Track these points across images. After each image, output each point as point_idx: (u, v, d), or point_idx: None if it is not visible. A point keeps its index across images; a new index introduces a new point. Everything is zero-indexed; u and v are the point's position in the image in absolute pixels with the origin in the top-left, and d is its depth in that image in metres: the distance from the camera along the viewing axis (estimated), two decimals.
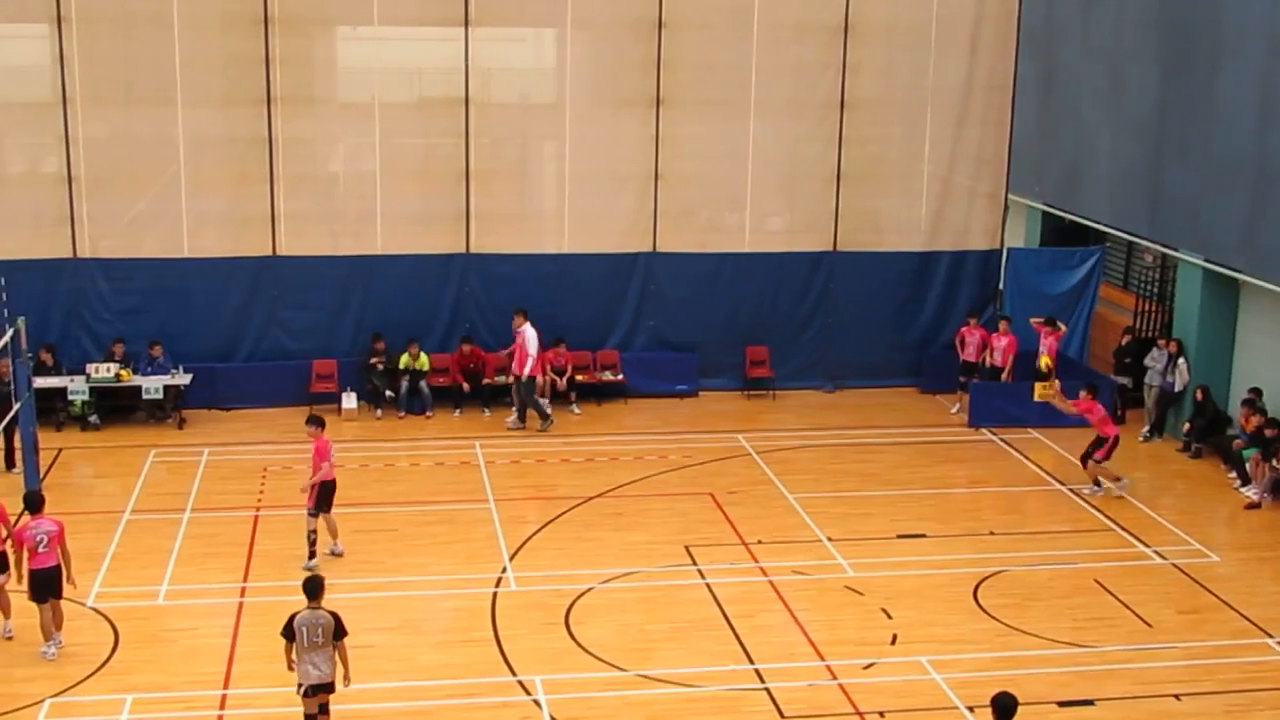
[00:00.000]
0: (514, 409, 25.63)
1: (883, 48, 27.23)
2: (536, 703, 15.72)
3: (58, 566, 16.58)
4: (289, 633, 14.07)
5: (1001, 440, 25.23)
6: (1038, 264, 28.48)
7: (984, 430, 25.51)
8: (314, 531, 19.12)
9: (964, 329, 27.14)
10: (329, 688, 14.25)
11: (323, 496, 19.18)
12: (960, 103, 27.64)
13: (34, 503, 16.84)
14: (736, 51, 26.88)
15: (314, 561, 19.04)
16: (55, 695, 15.73)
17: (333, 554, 19.52)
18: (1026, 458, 24.40)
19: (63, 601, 16.83)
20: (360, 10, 26.14)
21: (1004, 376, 26.16)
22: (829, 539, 20.48)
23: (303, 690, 14.18)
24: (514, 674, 16.35)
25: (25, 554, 16.43)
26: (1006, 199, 28.31)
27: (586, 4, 26.58)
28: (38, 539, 16.42)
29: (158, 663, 16.63)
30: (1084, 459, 22.81)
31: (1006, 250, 28.52)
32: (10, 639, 16.98)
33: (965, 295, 28.19)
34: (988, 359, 26.53)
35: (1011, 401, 25.70)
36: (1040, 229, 31.44)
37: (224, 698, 15.83)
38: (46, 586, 16.55)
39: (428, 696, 15.75)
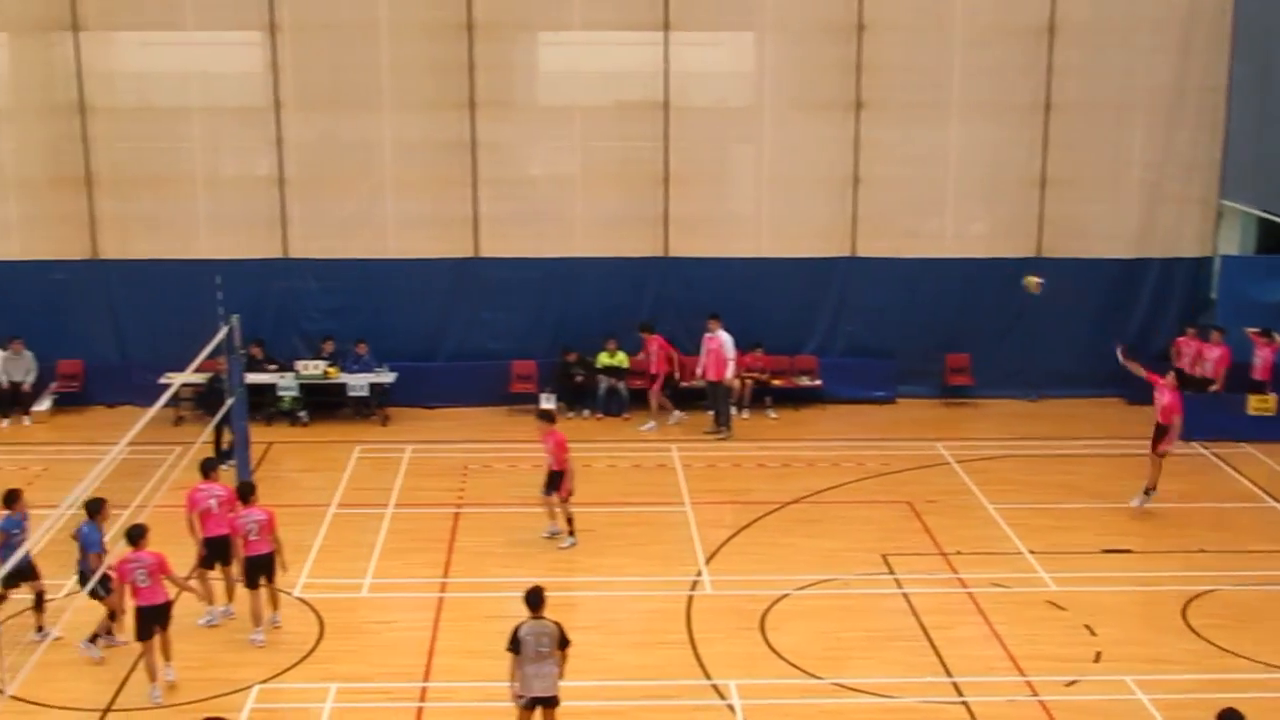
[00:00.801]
0: (711, 413, 25.65)
1: (1090, 49, 26.57)
2: (730, 707, 15.68)
3: (270, 554, 17.10)
4: (515, 645, 13.92)
5: (1213, 455, 24.43)
6: (1252, 272, 27.47)
7: (1194, 443, 24.70)
8: (554, 519, 19.93)
9: (1181, 339, 26.33)
10: (554, 701, 14.18)
11: (554, 483, 19.96)
12: (1171, 105, 26.87)
13: (245, 493, 17.37)
14: (937, 53, 26.53)
15: (572, 540, 19.85)
16: (264, 681, 16.16)
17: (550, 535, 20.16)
18: (1239, 473, 23.61)
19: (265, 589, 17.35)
20: (561, 16, 26.45)
21: (1216, 388, 25.36)
22: (1030, 551, 20.06)
23: (524, 702, 14.00)
24: (708, 678, 16.33)
25: (240, 541, 17.04)
26: (1219, 204, 27.46)
27: (784, 7, 26.49)
28: (248, 527, 16.96)
29: (360, 653, 16.98)
30: None
31: (1219, 258, 27.64)
32: (232, 617, 17.61)
33: (1175, 304, 27.40)
34: (1200, 370, 25.73)
35: (1224, 414, 24.89)
36: (1256, 236, 30.33)
37: (424, 690, 16.07)
38: (258, 572, 17.10)
39: (622, 697, 15.80)
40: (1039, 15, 26.32)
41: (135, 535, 15.85)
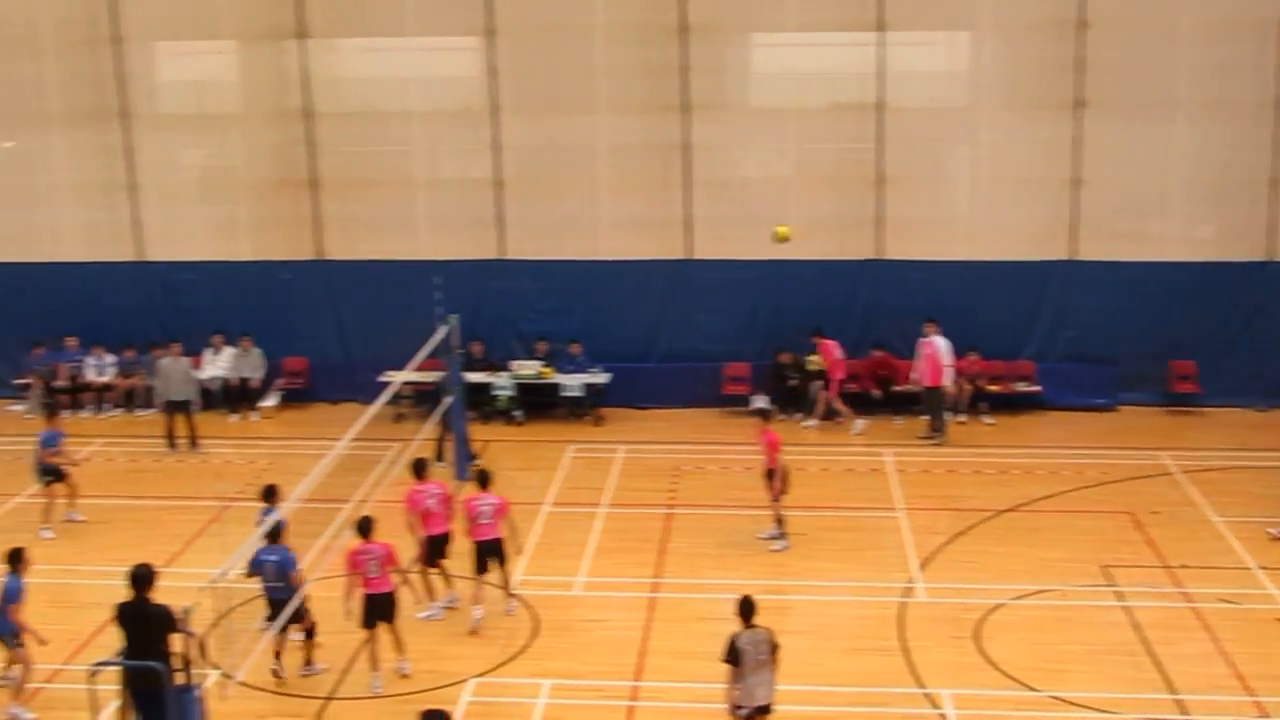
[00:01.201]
0: (926, 419, 25.35)
1: None
2: (943, 717, 15.47)
3: (499, 539, 17.53)
4: (734, 656, 13.79)
5: None
6: None
7: None
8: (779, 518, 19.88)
9: None
10: (769, 709, 14.13)
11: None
12: None
13: (484, 480, 17.84)
14: (1162, 50, 25.73)
15: (784, 544, 19.81)
16: (480, 675, 16.44)
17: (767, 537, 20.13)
18: None
19: (488, 588, 17.63)
20: (775, 18, 26.39)
21: None
22: (1260, 567, 19.35)
23: (745, 712, 13.86)
24: (921, 686, 16.12)
25: (469, 526, 17.51)
26: None
27: (1002, 6, 26.03)
28: (481, 510, 17.43)
29: (573, 651, 17.17)
30: None
31: None
32: (456, 606, 17.98)
33: None
34: None
35: None
36: None
37: (635, 689, 16.17)
38: (487, 556, 17.55)
39: (833, 702, 15.68)
40: (1269, 9, 25.36)
41: (365, 527, 16.24)
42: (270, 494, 17.51)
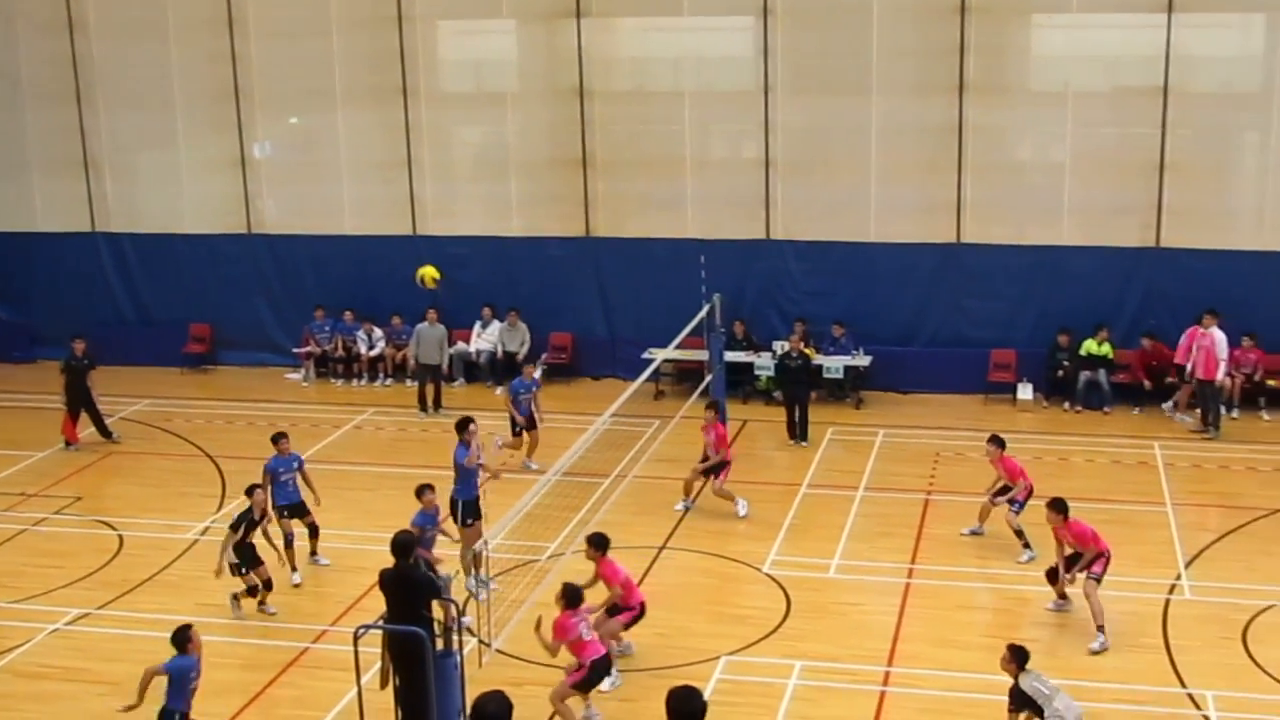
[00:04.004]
0: (1197, 412, 24.44)
1: None
2: (1206, 718, 14.93)
3: None
4: (1024, 701, 13.58)
5: None
6: None
7: None
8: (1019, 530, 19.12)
9: None
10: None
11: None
12: None
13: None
14: None
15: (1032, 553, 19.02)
16: (731, 653, 16.51)
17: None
18: None
19: (735, 564, 17.67)
20: None
21: None
22: None
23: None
24: (1183, 686, 15.60)
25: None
26: None
27: None
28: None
29: (826, 633, 17.11)
30: None
31: None
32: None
33: None
34: None
35: None
36: None
37: (887, 674, 16.04)
38: None
39: (1094, 698, 15.22)
40: None
41: (574, 597, 14.83)
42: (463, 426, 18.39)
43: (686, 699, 9.37)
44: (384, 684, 14.76)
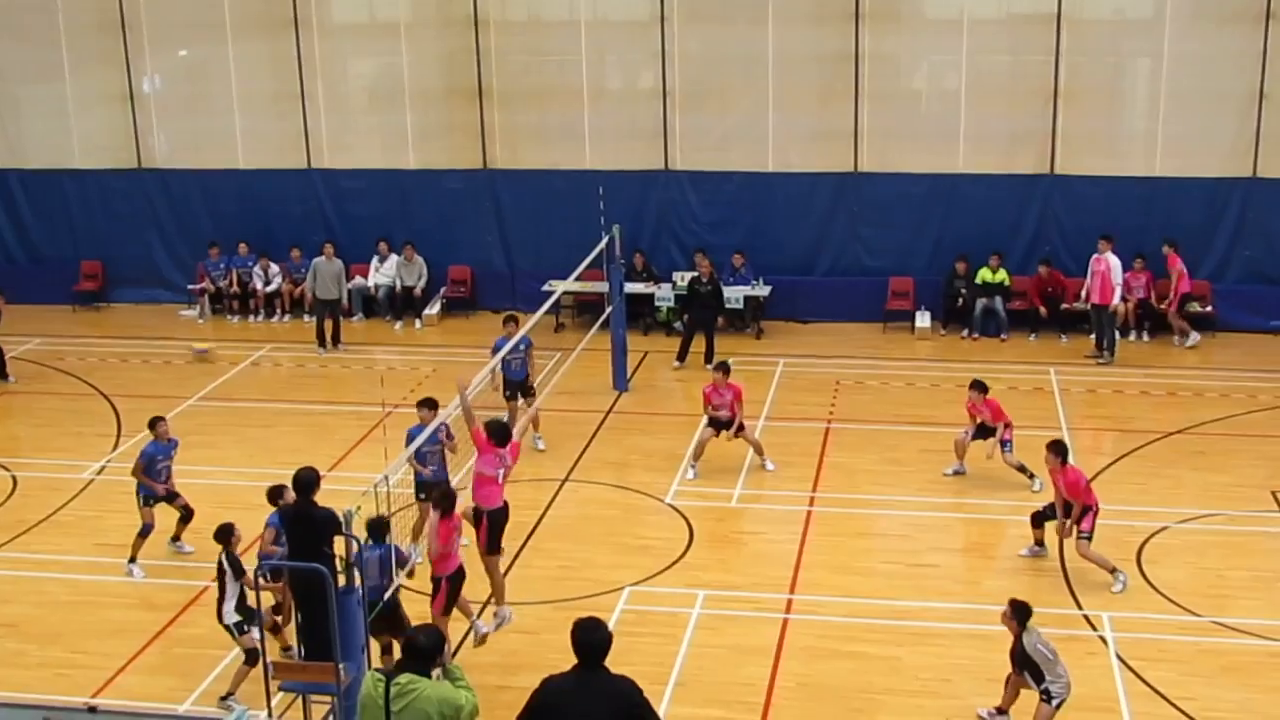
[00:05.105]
0: (1093, 338, 24.79)
1: None
2: (1103, 639, 15.21)
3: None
4: (1027, 663, 13.19)
5: None
6: None
7: None
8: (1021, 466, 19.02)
9: None
10: None
11: None
12: None
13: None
14: None
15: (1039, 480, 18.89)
16: (635, 583, 16.57)
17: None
18: None
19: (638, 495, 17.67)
20: None
21: None
22: None
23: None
24: (1079, 608, 15.88)
25: None
26: None
27: None
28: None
29: (729, 563, 17.26)
30: None
31: None
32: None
33: None
34: None
35: None
36: None
37: (789, 602, 16.17)
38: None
39: (992, 621, 15.44)
40: None
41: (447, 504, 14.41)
42: (428, 404, 17.29)
43: (591, 629, 9.38)
44: (286, 621, 14.65)
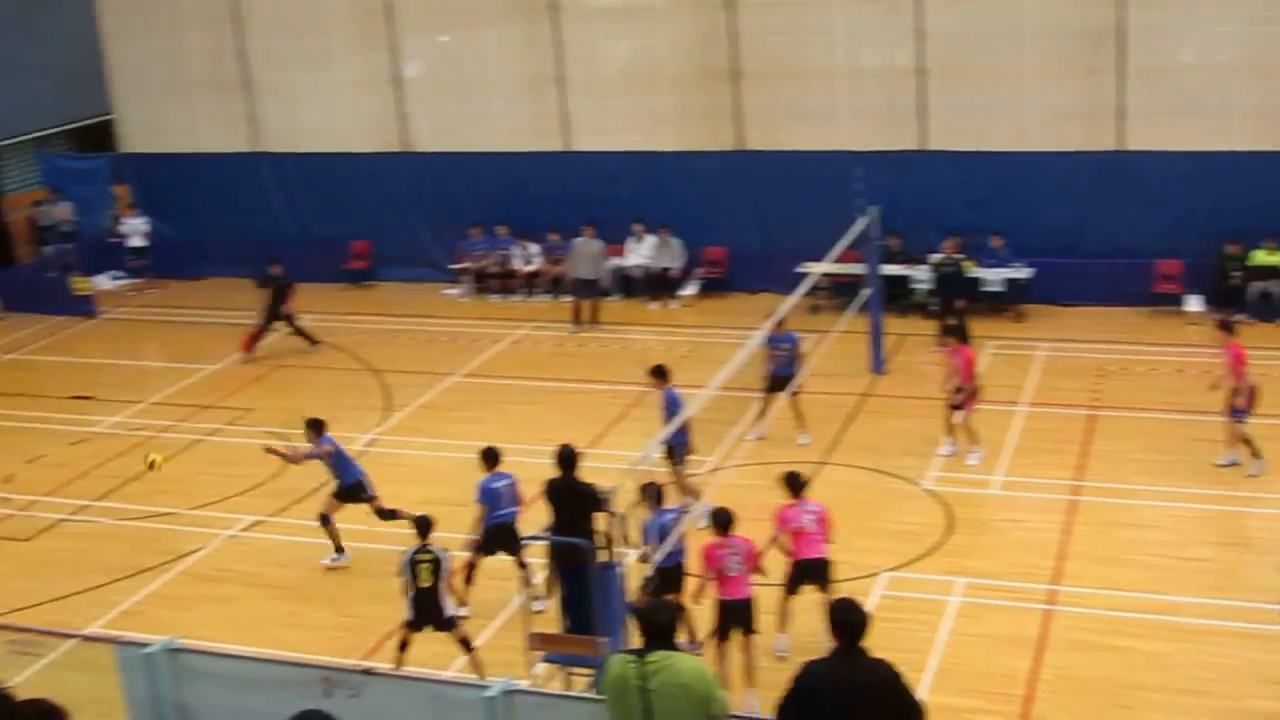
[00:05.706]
0: None
1: None
2: None
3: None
4: None
5: None
6: None
7: None
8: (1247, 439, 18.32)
9: None
10: None
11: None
12: None
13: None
14: None
15: (1261, 463, 18.28)
16: (892, 569, 16.43)
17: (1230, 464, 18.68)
18: None
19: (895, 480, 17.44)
20: None
21: None
22: None
23: None
24: None
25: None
26: None
27: None
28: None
29: (989, 550, 16.96)
30: None
31: None
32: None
33: None
34: None
35: None
36: None
37: (1053, 593, 15.83)
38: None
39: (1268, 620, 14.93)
40: None
41: (724, 520, 14.01)
42: (660, 374, 17.69)
43: (850, 609, 9.31)
44: (549, 594, 14.95)
